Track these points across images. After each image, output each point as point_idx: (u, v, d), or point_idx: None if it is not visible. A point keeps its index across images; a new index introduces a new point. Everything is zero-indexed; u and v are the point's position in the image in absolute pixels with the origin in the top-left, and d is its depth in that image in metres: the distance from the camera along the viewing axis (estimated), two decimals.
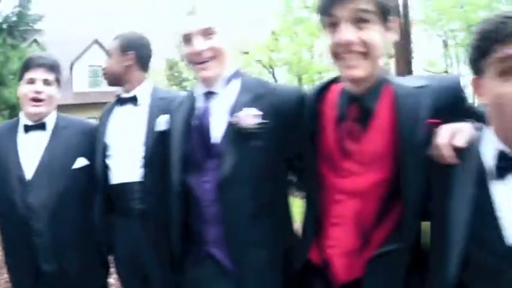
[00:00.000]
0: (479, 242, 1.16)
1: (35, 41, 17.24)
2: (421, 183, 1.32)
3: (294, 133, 1.57)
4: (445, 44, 22.77)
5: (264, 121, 1.60)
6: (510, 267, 1.12)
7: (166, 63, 20.13)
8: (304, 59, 16.98)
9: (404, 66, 12.82)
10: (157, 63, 18.63)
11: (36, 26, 16.27)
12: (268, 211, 1.65)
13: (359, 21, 1.30)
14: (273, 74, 19.78)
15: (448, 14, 19.54)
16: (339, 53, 1.34)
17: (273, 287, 1.64)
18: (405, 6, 13.50)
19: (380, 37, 1.33)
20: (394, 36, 1.39)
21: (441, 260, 1.21)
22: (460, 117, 1.28)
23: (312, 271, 1.51)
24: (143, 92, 2.11)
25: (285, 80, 19.63)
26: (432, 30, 22.30)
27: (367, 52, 1.31)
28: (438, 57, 24.06)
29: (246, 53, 19.89)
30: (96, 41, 15.77)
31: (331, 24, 1.34)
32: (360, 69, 1.32)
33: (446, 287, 1.19)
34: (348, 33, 1.30)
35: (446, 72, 22.82)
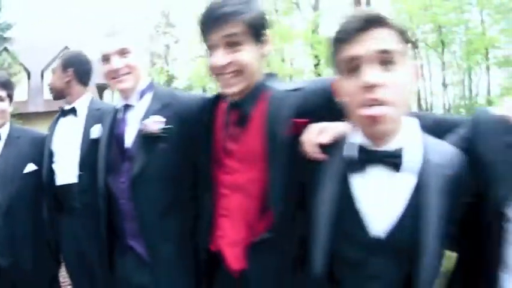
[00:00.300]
0: (343, 235, 1.19)
1: (5, 49, 17.19)
2: (285, 180, 1.41)
3: (197, 136, 1.69)
4: (415, 46, 23.09)
5: (167, 126, 1.78)
6: (374, 258, 1.15)
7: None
8: (274, 62, 17.11)
9: None
10: None
11: (6, 35, 16.32)
12: (178, 208, 1.81)
13: (231, 44, 1.42)
14: None
15: (417, 17, 19.89)
16: (215, 73, 1.48)
17: (183, 277, 1.78)
18: None
19: (253, 55, 1.44)
20: (270, 47, 1.50)
21: (310, 252, 1.25)
22: (335, 116, 1.30)
23: (215, 261, 1.60)
24: (82, 104, 2.40)
25: None
26: None
27: (241, 70, 1.44)
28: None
29: None
30: (66, 48, 15.75)
31: (209, 47, 1.48)
32: (235, 87, 1.46)
33: (314, 276, 1.24)
34: (220, 58, 1.43)
35: None
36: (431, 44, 21.47)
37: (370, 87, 1.08)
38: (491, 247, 1.15)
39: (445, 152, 1.19)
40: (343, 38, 1.14)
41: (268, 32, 1.49)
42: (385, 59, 1.09)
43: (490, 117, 1.22)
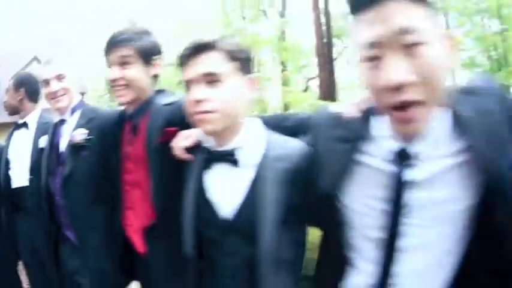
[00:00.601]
0: (202, 220, 1.38)
1: None
2: (160, 179, 1.71)
3: (112, 144, 1.95)
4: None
5: (89, 137, 2.16)
6: (226, 237, 1.33)
7: (105, 81, 20.28)
8: None
9: (328, 70, 13.52)
10: (96, 81, 18.87)
11: None
12: (100, 202, 2.12)
13: (123, 64, 1.76)
14: None
15: None
16: (111, 85, 1.79)
17: (108, 259, 2.04)
18: (327, 14, 14.18)
19: (140, 73, 1.78)
20: (157, 70, 1.84)
21: (183, 236, 1.43)
22: None
23: (131, 247, 1.87)
24: (32, 118, 2.79)
25: None
26: None
27: (128, 84, 1.76)
28: None
29: None
30: (36, 58, 15.72)
31: (108, 65, 1.81)
32: (124, 97, 1.78)
33: (188, 256, 1.40)
34: (112, 73, 1.77)
35: None
36: None
37: (196, 102, 1.30)
38: (335, 230, 1.20)
39: (288, 147, 1.33)
40: (179, 63, 1.37)
41: (158, 58, 1.85)
42: (210, 80, 1.30)
43: (326, 114, 1.29)
